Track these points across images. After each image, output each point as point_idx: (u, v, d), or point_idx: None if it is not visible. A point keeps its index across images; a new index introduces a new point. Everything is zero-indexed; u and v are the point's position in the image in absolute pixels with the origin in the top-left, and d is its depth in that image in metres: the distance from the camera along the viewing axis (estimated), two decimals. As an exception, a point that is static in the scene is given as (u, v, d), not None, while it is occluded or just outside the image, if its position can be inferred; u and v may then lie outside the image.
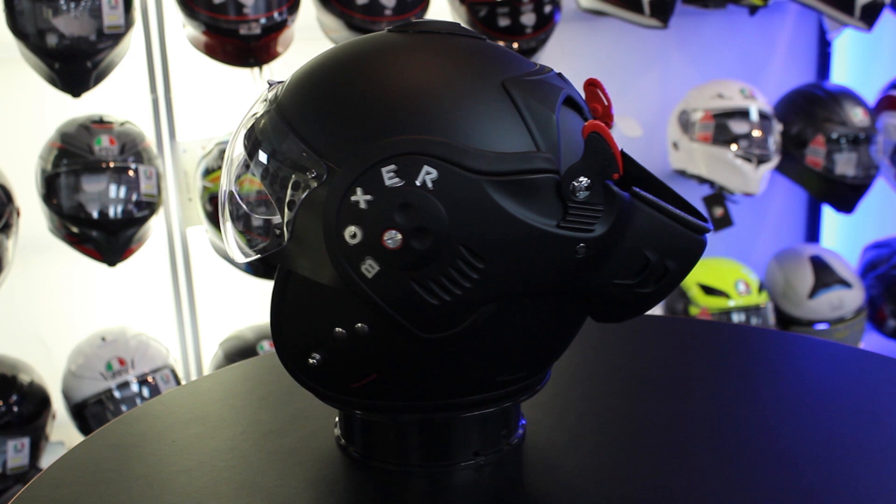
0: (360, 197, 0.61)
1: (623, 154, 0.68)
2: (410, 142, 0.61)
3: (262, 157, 0.66)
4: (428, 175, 0.60)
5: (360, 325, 0.64)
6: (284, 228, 0.64)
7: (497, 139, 0.62)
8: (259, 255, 0.68)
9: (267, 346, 1.97)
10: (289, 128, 0.64)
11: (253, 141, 0.67)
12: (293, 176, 0.63)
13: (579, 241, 0.62)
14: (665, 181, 0.70)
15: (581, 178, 0.61)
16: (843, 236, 2.90)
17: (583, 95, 0.70)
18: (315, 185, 0.62)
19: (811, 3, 2.31)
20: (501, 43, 1.99)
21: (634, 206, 0.64)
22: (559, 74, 0.69)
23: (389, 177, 0.60)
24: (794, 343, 1.01)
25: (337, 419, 0.76)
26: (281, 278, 0.67)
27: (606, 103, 0.70)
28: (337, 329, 0.65)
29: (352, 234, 0.61)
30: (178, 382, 1.93)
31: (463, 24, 0.76)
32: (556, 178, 0.62)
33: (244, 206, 0.71)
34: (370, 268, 0.61)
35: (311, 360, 0.67)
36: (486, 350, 0.66)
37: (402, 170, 0.60)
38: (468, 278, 0.61)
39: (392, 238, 0.60)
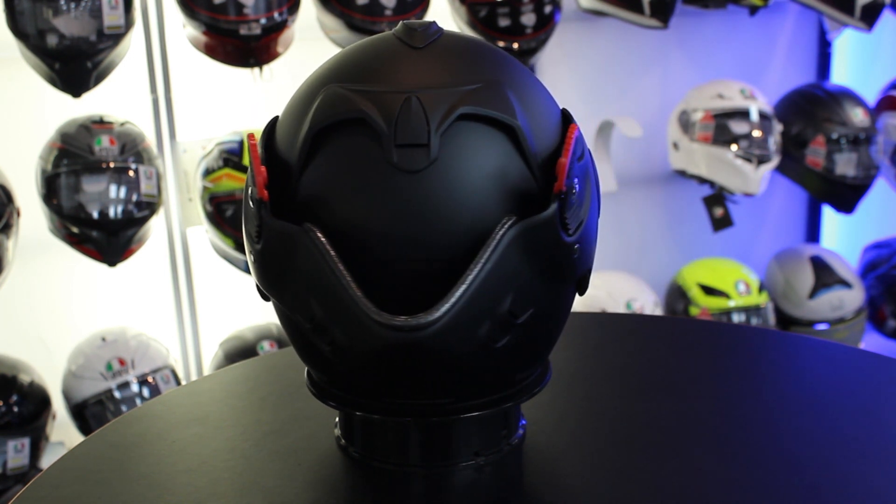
0: None
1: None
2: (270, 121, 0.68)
3: None
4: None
5: None
6: None
7: (291, 136, 0.64)
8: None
9: (267, 346, 1.96)
10: None
11: None
12: None
13: (252, 247, 0.63)
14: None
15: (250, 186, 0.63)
16: (843, 236, 2.90)
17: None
18: None
19: (811, 3, 2.31)
20: (501, 44, 1.99)
21: (300, 245, 0.59)
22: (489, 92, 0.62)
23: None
24: (794, 343, 1.01)
25: (337, 419, 0.76)
26: None
27: (565, 150, 0.61)
28: None
29: None
30: (178, 382, 1.93)
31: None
32: None
33: None
34: None
35: None
36: (292, 328, 0.68)
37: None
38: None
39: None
